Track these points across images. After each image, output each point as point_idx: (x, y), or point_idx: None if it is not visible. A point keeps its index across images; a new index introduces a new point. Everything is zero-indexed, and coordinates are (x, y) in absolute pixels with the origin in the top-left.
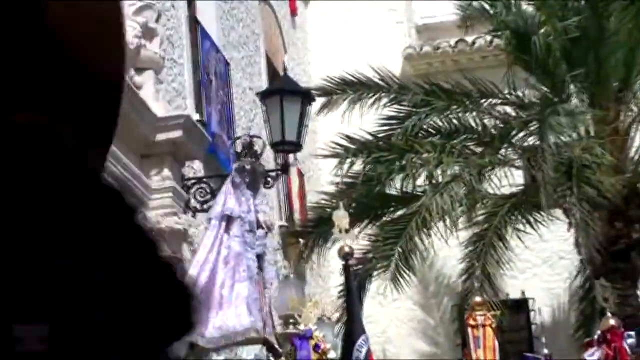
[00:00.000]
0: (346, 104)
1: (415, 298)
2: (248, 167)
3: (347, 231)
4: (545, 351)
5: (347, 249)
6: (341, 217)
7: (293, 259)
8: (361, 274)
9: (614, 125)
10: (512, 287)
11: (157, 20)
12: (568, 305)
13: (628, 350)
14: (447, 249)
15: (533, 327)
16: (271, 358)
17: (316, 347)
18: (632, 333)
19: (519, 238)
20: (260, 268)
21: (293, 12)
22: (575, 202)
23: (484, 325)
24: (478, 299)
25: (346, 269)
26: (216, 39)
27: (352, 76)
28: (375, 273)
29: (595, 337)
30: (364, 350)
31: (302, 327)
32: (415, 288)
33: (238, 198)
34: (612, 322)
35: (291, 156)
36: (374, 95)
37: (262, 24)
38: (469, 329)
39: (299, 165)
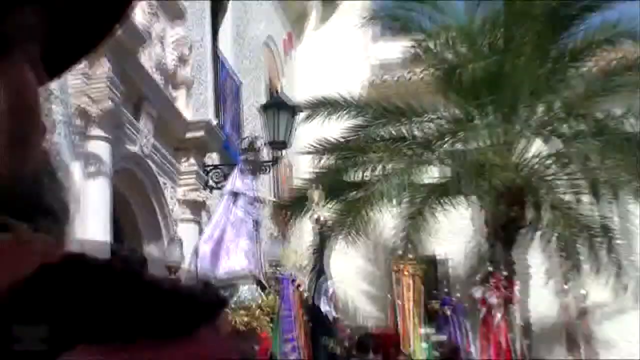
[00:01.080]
0: (322, 117)
1: (367, 255)
2: (251, 158)
3: (322, 205)
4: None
5: (321, 218)
6: (318, 195)
7: (279, 224)
8: (329, 236)
9: (509, 137)
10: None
11: (189, 50)
12: (477, 265)
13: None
14: (390, 220)
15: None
16: (261, 292)
17: (298, 285)
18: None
19: (438, 215)
20: (257, 230)
21: (286, 52)
22: (486, 190)
23: (410, 274)
24: (399, 252)
25: (321, 233)
26: (233, 65)
27: (327, 98)
28: (339, 236)
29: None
30: (330, 291)
31: (285, 270)
32: (367, 247)
33: (243, 180)
34: (489, 268)
35: (283, 151)
36: (342, 111)
37: (265, 58)
38: (397, 275)
39: (289, 158)
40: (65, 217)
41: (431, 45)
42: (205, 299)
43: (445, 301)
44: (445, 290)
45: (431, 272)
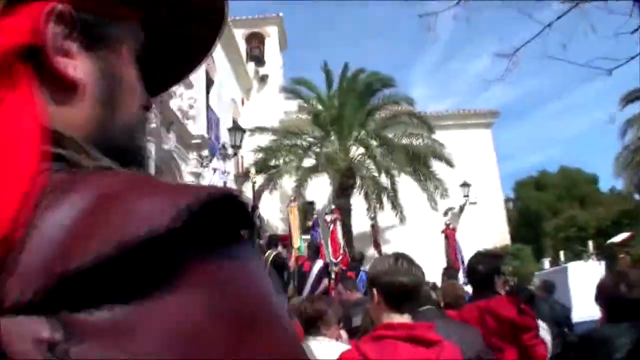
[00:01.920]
0: (260, 134)
1: (280, 199)
2: (222, 152)
3: (255, 176)
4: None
5: (255, 183)
6: (253, 171)
7: (239, 185)
8: (260, 191)
9: (346, 146)
10: (310, 197)
11: (194, 102)
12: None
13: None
14: (290, 182)
15: (315, 210)
16: None
17: None
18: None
19: (312, 181)
20: (225, 185)
21: (242, 105)
22: (331, 170)
23: (293, 207)
24: (292, 197)
25: (254, 190)
26: (216, 110)
27: (261, 126)
28: (267, 190)
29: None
30: (259, 214)
31: None
32: (280, 195)
33: (219, 162)
34: (333, 206)
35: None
36: (268, 132)
37: (231, 108)
38: (289, 209)
39: (244, 154)
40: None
41: (307, 104)
42: None
43: (314, 221)
44: (315, 215)
45: (308, 208)
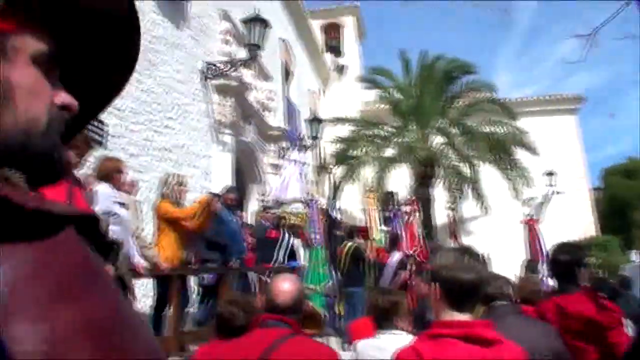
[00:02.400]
0: (339, 125)
1: (360, 190)
2: (300, 144)
3: (333, 167)
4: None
5: (333, 174)
6: (330, 162)
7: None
8: (342, 180)
9: (425, 135)
10: (391, 188)
11: (273, 94)
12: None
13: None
14: (370, 173)
15: (397, 200)
16: (306, 208)
17: (316, 203)
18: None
19: (392, 171)
20: (303, 177)
21: (320, 95)
22: (410, 160)
23: (371, 198)
24: (369, 188)
25: (334, 182)
26: (294, 101)
27: (341, 117)
28: (347, 181)
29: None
30: (337, 205)
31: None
32: (360, 186)
33: (298, 153)
34: (413, 198)
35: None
36: (348, 122)
37: (309, 99)
38: (367, 200)
39: (324, 144)
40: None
41: (385, 94)
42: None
43: (393, 212)
44: (395, 207)
45: (389, 198)
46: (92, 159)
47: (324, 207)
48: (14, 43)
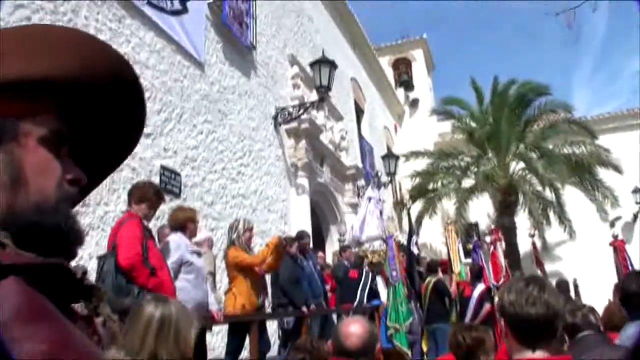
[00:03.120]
0: (413, 159)
1: (440, 222)
2: (376, 180)
3: (408, 200)
4: (475, 239)
5: (407, 205)
6: (405, 195)
7: (397, 211)
8: (420, 214)
9: (504, 162)
10: (472, 219)
11: (346, 133)
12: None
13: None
14: (451, 206)
15: (480, 232)
16: (384, 245)
17: (394, 240)
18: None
19: (471, 202)
20: (381, 215)
21: (395, 131)
22: (490, 188)
23: (451, 230)
24: (449, 220)
25: (408, 213)
26: (368, 139)
27: (416, 150)
28: (426, 215)
29: None
30: (414, 240)
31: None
32: (440, 219)
33: (374, 190)
34: (493, 226)
35: (395, 177)
36: (422, 156)
37: (384, 136)
38: (446, 232)
39: (400, 181)
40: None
41: (460, 123)
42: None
43: (475, 244)
44: (475, 238)
45: (470, 229)
46: (167, 210)
47: (402, 242)
48: (24, 127)
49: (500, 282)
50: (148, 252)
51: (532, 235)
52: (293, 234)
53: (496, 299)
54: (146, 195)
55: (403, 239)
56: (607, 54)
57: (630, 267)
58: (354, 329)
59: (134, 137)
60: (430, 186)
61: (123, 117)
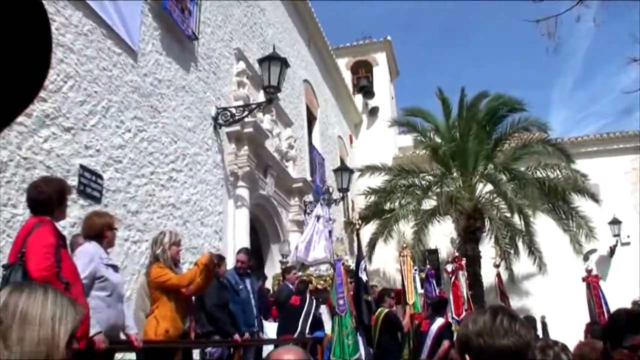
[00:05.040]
0: (369, 174)
1: (396, 247)
2: (326, 197)
3: (357, 220)
4: (428, 266)
5: (357, 227)
6: (355, 216)
7: (348, 232)
8: (373, 239)
9: (469, 183)
10: (432, 244)
11: (295, 142)
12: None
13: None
14: (409, 229)
15: (440, 260)
16: (331, 270)
17: (343, 264)
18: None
19: (432, 226)
20: (330, 235)
21: (351, 142)
22: (453, 212)
23: (406, 256)
24: (404, 245)
25: (357, 235)
26: (320, 149)
27: (372, 165)
28: (379, 239)
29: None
30: (363, 266)
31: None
32: (396, 244)
33: (322, 208)
34: (456, 254)
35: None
36: (379, 172)
37: (338, 146)
38: (401, 257)
39: (353, 198)
40: None
41: (423, 138)
42: None
43: (428, 272)
44: (429, 267)
45: (428, 256)
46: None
47: (352, 267)
48: None
49: (461, 317)
50: (61, 264)
51: (498, 266)
52: (230, 251)
53: (456, 334)
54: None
55: (353, 264)
56: (590, 71)
57: (604, 306)
58: (287, 358)
59: (38, 74)
60: (387, 206)
61: (23, 47)
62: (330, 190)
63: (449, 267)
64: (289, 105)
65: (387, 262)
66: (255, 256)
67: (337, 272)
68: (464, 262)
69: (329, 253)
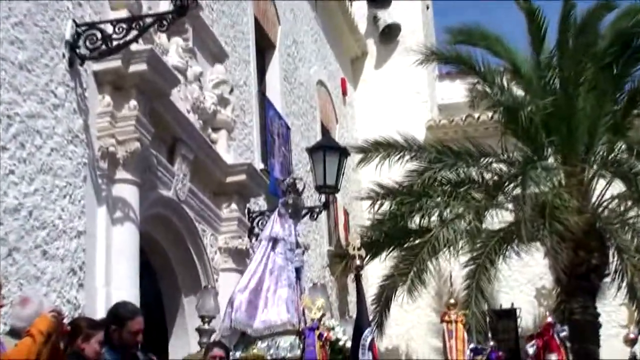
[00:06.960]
0: (378, 159)
1: (433, 306)
2: (290, 201)
3: (359, 249)
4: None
5: (357, 263)
6: (355, 238)
7: (337, 273)
8: (388, 287)
9: (580, 178)
10: (504, 300)
11: (230, 93)
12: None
13: (557, 340)
14: (457, 268)
15: (519, 329)
16: (298, 349)
17: (320, 335)
18: (565, 327)
19: (505, 263)
20: (298, 278)
21: (344, 93)
22: (547, 235)
23: (455, 322)
24: (452, 301)
25: (357, 278)
26: (280, 109)
27: (384, 139)
28: (399, 287)
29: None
30: (369, 339)
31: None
32: (432, 298)
33: (282, 225)
34: (549, 319)
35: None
36: (399, 154)
37: (319, 100)
38: (444, 324)
39: (345, 205)
40: None
41: (489, 88)
42: None
43: (491, 356)
44: (492, 343)
45: (510, 326)
46: None
47: (340, 338)
48: None
49: None
50: None
51: (634, 342)
52: (100, 308)
53: None
54: None
55: (343, 334)
56: None
57: None
58: None
59: None
60: (415, 222)
61: None
62: (301, 188)
63: (531, 349)
64: (221, 24)
65: (416, 334)
66: (150, 319)
67: (309, 346)
68: (564, 335)
69: (295, 314)
